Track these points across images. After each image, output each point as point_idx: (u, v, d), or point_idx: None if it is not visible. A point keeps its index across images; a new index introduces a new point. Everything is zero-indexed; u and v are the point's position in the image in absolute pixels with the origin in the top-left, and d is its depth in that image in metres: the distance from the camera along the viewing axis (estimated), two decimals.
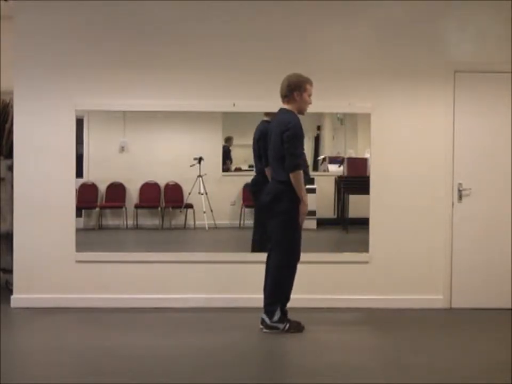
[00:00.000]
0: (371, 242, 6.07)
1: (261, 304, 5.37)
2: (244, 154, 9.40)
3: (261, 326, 5.22)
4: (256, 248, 6.14)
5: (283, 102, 5.26)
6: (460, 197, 6.06)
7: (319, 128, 9.04)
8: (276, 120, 5.27)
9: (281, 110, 5.26)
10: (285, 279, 5.19)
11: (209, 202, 8.20)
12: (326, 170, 8.65)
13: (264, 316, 5.21)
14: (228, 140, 8.65)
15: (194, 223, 8.36)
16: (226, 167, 8.73)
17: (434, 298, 6.06)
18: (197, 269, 6.01)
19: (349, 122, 8.23)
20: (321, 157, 8.93)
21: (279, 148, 5.10)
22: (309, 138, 9.07)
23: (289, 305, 5.51)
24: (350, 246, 5.74)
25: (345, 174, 7.87)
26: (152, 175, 8.42)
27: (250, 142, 6.35)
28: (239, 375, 4.24)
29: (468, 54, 6.05)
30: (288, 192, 5.08)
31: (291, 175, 5.03)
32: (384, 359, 4.67)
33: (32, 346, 4.94)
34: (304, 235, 5.32)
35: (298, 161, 5.05)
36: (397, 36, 6.04)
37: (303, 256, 5.62)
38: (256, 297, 5.54)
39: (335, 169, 8.46)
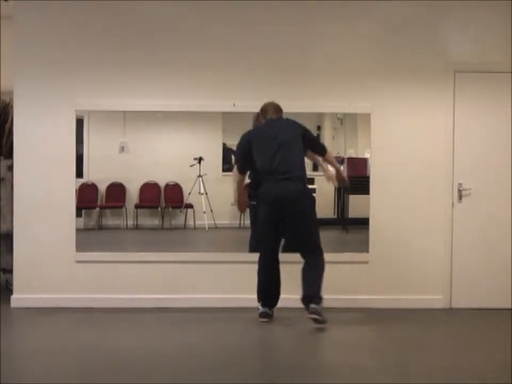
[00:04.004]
0: (371, 242, 6.07)
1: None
2: None
3: (322, 326, 5.16)
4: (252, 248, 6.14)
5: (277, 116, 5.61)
6: (460, 197, 6.06)
7: (319, 128, 9.03)
8: (280, 124, 5.56)
9: (281, 118, 5.59)
10: None
11: (209, 202, 8.20)
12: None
13: (318, 316, 5.15)
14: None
15: (194, 223, 8.37)
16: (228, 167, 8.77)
17: (434, 298, 6.06)
18: (197, 269, 6.01)
19: (349, 122, 8.22)
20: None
21: (298, 146, 5.43)
22: None
23: (289, 305, 5.54)
24: (350, 246, 5.74)
25: (345, 174, 7.85)
26: (152, 175, 8.42)
27: None
28: (239, 375, 4.24)
29: (468, 54, 6.05)
30: (308, 190, 5.50)
31: (328, 154, 5.69)
32: (384, 358, 4.67)
33: (32, 346, 4.93)
34: None
35: None
36: (397, 36, 6.04)
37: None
38: (256, 297, 5.55)
39: None
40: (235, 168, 5.83)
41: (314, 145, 5.69)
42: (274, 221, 5.35)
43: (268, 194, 5.36)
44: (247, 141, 5.61)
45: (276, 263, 5.43)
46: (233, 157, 7.28)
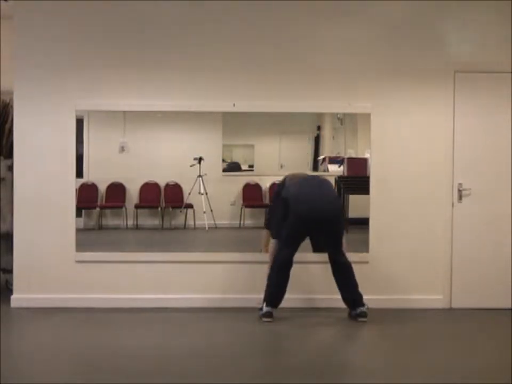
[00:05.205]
0: (371, 242, 6.07)
1: (259, 304, 5.41)
2: (244, 154, 9.42)
3: (364, 319, 5.47)
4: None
5: None
6: (460, 197, 6.06)
7: (319, 128, 9.04)
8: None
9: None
10: None
11: (209, 202, 8.21)
12: (326, 170, 8.65)
13: (363, 308, 5.51)
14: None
15: (194, 223, 8.37)
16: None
17: (434, 298, 6.06)
18: (197, 269, 6.01)
19: (349, 122, 8.23)
20: (321, 157, 8.93)
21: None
22: (309, 138, 9.10)
23: (289, 305, 5.54)
24: (350, 246, 5.73)
25: (345, 174, 7.86)
26: (152, 175, 8.43)
27: (250, 142, 6.33)
28: (238, 375, 4.24)
29: (468, 54, 6.05)
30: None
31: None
32: (384, 359, 4.67)
33: (32, 346, 4.94)
34: None
35: None
36: (397, 36, 6.04)
37: (303, 256, 5.67)
38: (255, 297, 5.55)
39: (335, 169, 8.45)
40: (266, 231, 5.89)
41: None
42: (307, 232, 5.58)
43: (305, 210, 5.48)
44: (283, 192, 5.71)
45: (291, 264, 5.49)
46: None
